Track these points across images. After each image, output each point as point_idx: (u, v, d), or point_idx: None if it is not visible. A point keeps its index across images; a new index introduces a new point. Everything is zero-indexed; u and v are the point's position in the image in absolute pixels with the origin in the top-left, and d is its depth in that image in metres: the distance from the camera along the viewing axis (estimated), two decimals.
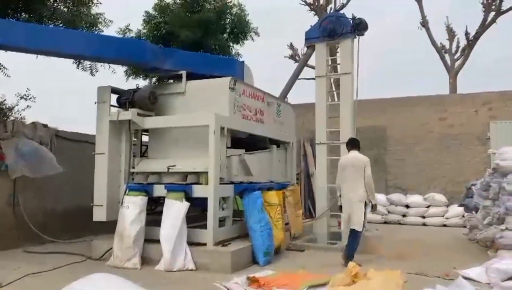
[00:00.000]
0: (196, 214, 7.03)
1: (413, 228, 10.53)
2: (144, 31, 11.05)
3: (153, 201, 6.92)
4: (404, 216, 11.31)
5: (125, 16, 11.33)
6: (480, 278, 5.19)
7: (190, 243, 5.98)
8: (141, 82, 11.38)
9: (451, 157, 12.09)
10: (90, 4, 8.61)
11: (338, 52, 9.10)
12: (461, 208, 9.61)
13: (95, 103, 6.92)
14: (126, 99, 6.79)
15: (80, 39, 6.58)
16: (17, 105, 8.24)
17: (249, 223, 6.36)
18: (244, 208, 6.49)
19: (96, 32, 8.64)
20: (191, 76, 7.11)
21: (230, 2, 11.41)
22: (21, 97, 8.24)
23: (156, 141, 7.15)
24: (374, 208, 6.48)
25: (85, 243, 7.19)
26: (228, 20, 11.36)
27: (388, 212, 11.43)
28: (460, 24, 26.66)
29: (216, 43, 10.93)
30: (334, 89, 10.06)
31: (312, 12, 19.60)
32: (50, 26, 8.01)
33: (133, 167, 6.92)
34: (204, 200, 6.16)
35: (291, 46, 20.55)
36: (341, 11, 17.17)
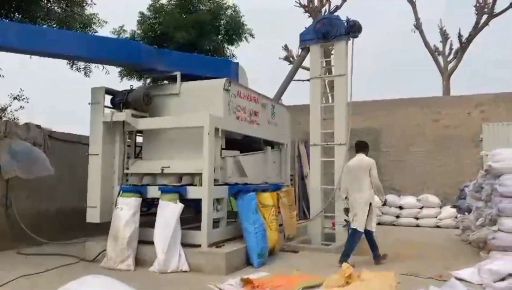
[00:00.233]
0: (190, 215, 7.02)
1: (406, 229, 10.58)
2: (139, 32, 11.05)
3: (147, 202, 6.91)
4: (397, 217, 11.37)
5: (120, 16, 11.31)
6: (473, 279, 5.23)
7: (184, 245, 5.97)
8: (136, 83, 11.38)
9: (444, 159, 12.17)
10: (84, 4, 8.60)
11: (332, 53, 9.13)
12: (454, 209, 9.68)
13: (89, 104, 6.89)
14: (120, 100, 6.78)
15: (74, 39, 6.56)
16: (10, 105, 8.21)
17: (243, 224, 6.36)
18: (239, 209, 6.50)
19: (90, 33, 8.62)
20: (185, 77, 7.11)
21: (225, 3, 11.43)
22: (14, 98, 8.21)
23: (150, 142, 7.13)
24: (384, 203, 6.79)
25: (79, 244, 7.14)
26: (222, 21, 11.38)
27: (382, 213, 11.47)
28: (454, 26, 26.89)
29: (211, 44, 10.96)
30: (328, 90, 10.09)
31: (307, 14, 19.65)
32: (44, 26, 7.97)
33: (127, 168, 6.90)
34: (198, 202, 6.16)
35: (286, 48, 20.59)
36: (335, 13, 17.23)
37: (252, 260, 6.16)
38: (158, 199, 6.25)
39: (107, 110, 6.91)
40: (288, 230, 7.84)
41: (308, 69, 9.40)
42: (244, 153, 7.51)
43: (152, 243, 5.93)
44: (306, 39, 8.75)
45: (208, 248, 6.00)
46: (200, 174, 6.17)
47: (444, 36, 19.79)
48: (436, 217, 11.08)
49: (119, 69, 10.86)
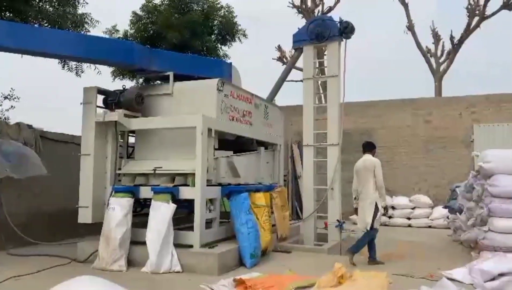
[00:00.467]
0: (183, 216, 7.00)
1: (398, 229, 10.64)
2: (132, 31, 11.01)
3: (140, 202, 6.88)
4: (390, 217, 11.42)
5: (113, 16, 11.25)
6: (464, 279, 5.26)
7: (177, 245, 5.95)
8: (128, 83, 11.33)
9: (436, 159, 12.25)
10: (77, 4, 8.54)
11: (325, 54, 9.16)
12: (446, 210, 9.74)
13: (81, 104, 6.85)
14: (112, 100, 6.74)
15: (66, 39, 6.51)
16: (0, 105, 8.14)
17: (236, 225, 6.36)
18: (231, 209, 6.50)
19: (82, 33, 8.56)
20: (178, 77, 7.09)
21: (218, 3, 11.42)
22: (5, 98, 8.14)
23: (143, 143, 7.10)
24: (385, 210, 6.58)
25: (70, 245, 7.10)
26: (216, 21, 11.37)
27: None
28: (446, 28, 27.10)
29: (204, 45, 10.94)
30: (321, 91, 10.13)
31: (300, 15, 19.70)
32: (36, 25, 7.91)
33: (119, 169, 6.87)
34: (191, 202, 6.15)
35: (279, 48, 20.62)
36: (328, 14, 17.30)
37: (244, 260, 6.16)
38: (150, 199, 6.23)
39: (99, 110, 6.87)
40: (281, 230, 7.85)
41: (301, 69, 9.43)
42: (237, 154, 7.51)
43: (144, 243, 5.91)
44: (299, 40, 8.77)
45: (200, 248, 5.99)
46: (193, 175, 6.16)
47: (436, 37, 19.94)
48: (428, 217, 11.16)
49: (111, 69, 10.81)
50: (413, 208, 11.34)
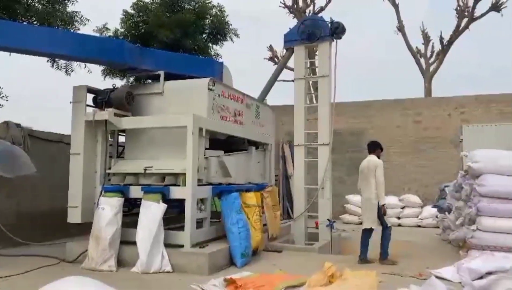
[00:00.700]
0: (174, 215, 6.98)
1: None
2: (122, 30, 10.93)
3: (130, 202, 6.84)
4: None
5: (103, 14, 11.17)
6: (452, 278, 5.33)
7: (167, 245, 5.93)
8: (119, 82, 11.25)
9: (425, 159, 12.37)
10: (66, 1, 8.46)
11: (316, 54, 9.20)
12: (435, 209, 9.84)
13: (71, 102, 6.79)
14: (102, 99, 6.69)
15: (55, 37, 6.45)
16: None
17: (226, 224, 6.35)
18: (222, 209, 6.49)
19: (72, 31, 8.49)
20: (169, 77, 7.06)
21: (210, 2, 11.39)
22: None
23: (133, 142, 7.06)
24: (383, 211, 6.58)
25: (59, 245, 7.03)
26: (207, 20, 11.34)
27: None
28: (436, 29, 27.36)
29: (195, 44, 10.90)
30: (312, 91, 10.16)
31: (291, 15, 19.74)
32: (24, 23, 7.83)
33: (109, 168, 6.82)
34: (181, 202, 6.13)
35: (271, 48, 20.64)
36: (319, 14, 17.36)
37: (235, 260, 6.16)
38: (140, 199, 6.20)
39: (89, 109, 6.82)
40: (272, 230, 7.86)
41: (292, 69, 9.45)
42: (228, 153, 7.50)
43: (134, 243, 5.88)
44: (290, 40, 8.80)
45: (191, 248, 5.97)
46: (184, 174, 6.14)
47: (426, 38, 20.10)
48: (417, 216, 11.24)
49: (102, 67, 10.73)
50: (402, 208, 11.42)
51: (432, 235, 9.33)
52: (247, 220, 6.57)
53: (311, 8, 19.62)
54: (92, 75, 9.37)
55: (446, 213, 8.44)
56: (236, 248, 6.17)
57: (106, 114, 6.51)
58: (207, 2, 11.35)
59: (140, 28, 10.67)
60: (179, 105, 6.72)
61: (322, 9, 19.44)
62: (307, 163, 8.55)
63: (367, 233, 6.64)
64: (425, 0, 37.20)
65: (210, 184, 6.73)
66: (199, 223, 6.46)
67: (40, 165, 7.48)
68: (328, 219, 8.04)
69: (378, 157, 6.84)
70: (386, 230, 6.61)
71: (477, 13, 18.59)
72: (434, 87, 19.73)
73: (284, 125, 11.85)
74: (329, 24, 8.36)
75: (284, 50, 9.49)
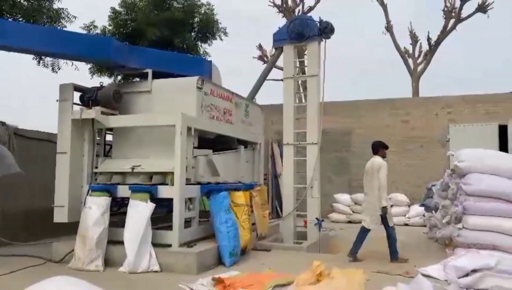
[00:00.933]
0: (161, 215, 6.94)
1: (376, 227, 10.76)
2: (110, 28, 10.83)
3: (117, 201, 6.78)
4: None
5: (91, 12, 11.05)
6: (438, 275, 5.39)
7: (155, 245, 5.89)
8: (106, 80, 11.15)
9: (413, 159, 12.48)
10: None
11: (306, 54, 9.22)
12: (422, 208, 9.93)
13: (57, 101, 6.71)
14: (89, 97, 6.62)
15: (41, 34, 6.36)
16: None
17: (215, 223, 6.33)
18: (211, 208, 6.47)
19: (58, 28, 8.38)
20: (157, 75, 7.01)
21: (198, 1, 11.35)
22: None
23: (121, 141, 7.00)
24: (383, 211, 6.64)
25: (46, 245, 6.94)
26: (196, 19, 11.29)
27: (353, 211, 11.67)
28: (423, 29, 27.63)
29: (184, 42, 10.85)
30: (301, 90, 10.19)
31: (281, 14, 19.75)
32: (10, 20, 7.70)
33: (96, 167, 6.76)
34: (170, 201, 6.09)
35: (260, 47, 20.63)
36: (309, 14, 17.40)
37: (224, 259, 6.15)
38: (128, 198, 6.15)
39: (76, 108, 6.75)
40: (260, 229, 7.87)
41: (281, 68, 9.46)
42: (217, 152, 7.48)
43: (122, 243, 5.83)
44: (279, 39, 8.81)
45: (179, 248, 5.95)
46: (172, 173, 6.11)
47: (414, 38, 20.28)
48: (405, 215, 11.35)
49: (89, 65, 10.62)
50: (390, 206, 11.48)
51: (419, 233, 9.42)
52: (235, 219, 6.56)
53: (300, 7, 19.66)
54: (80, 73, 9.27)
55: (433, 211, 8.53)
56: (224, 247, 6.16)
57: (93, 112, 6.45)
58: (195, 0, 11.30)
59: (128, 26, 10.59)
60: (167, 103, 6.67)
61: (311, 8, 19.49)
62: (296, 162, 8.57)
63: (365, 231, 6.75)
64: (413, 1, 37.55)
65: (198, 183, 6.70)
66: (188, 223, 6.43)
67: (26, 164, 7.36)
68: (317, 218, 8.07)
69: (384, 157, 6.89)
70: (390, 230, 6.68)
71: (464, 14, 18.83)
72: (421, 87, 19.94)
73: (273, 124, 11.86)
74: (318, 24, 8.39)
75: (273, 49, 9.49)
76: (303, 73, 9.13)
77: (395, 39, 20.17)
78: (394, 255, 6.60)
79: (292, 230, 8.40)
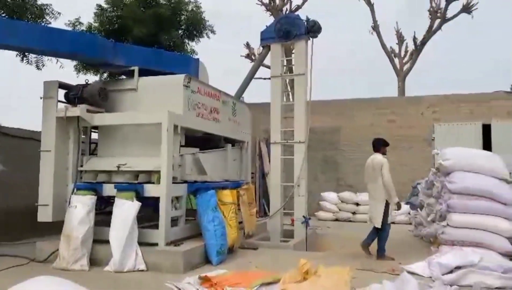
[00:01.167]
0: (149, 213, 6.88)
1: (362, 225, 10.82)
2: (96, 24, 10.69)
3: (103, 200, 6.71)
4: (354, 213, 11.66)
5: (76, 8, 10.90)
6: (423, 272, 5.46)
7: (142, 244, 5.85)
8: (92, 78, 11.02)
9: (398, 157, 12.59)
10: None
11: (293, 52, 9.24)
12: (407, 206, 10.04)
13: (41, 98, 6.61)
14: (74, 94, 6.54)
15: (25, 30, 6.24)
16: None
17: (202, 222, 6.31)
18: (198, 207, 6.45)
19: (43, 24, 8.24)
20: (144, 73, 6.95)
21: None
22: None
23: (106, 139, 6.93)
24: (398, 207, 6.73)
25: (30, 245, 6.84)
26: (183, 16, 11.22)
27: (339, 209, 11.75)
28: (410, 29, 27.93)
29: (171, 40, 10.77)
30: (289, 89, 10.20)
31: (268, 13, 19.76)
32: None
33: (81, 166, 6.68)
34: (156, 200, 6.05)
35: (247, 46, 20.61)
36: (296, 13, 17.43)
37: (211, 258, 6.13)
38: (114, 197, 6.10)
39: (61, 105, 6.66)
40: (248, 227, 7.87)
41: (269, 67, 9.46)
42: (204, 151, 7.45)
43: (108, 242, 5.78)
44: (267, 38, 8.80)
45: (165, 246, 5.91)
46: (158, 172, 6.07)
47: (400, 38, 20.47)
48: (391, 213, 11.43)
49: (74, 62, 10.47)
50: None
51: (405, 231, 9.52)
52: (223, 218, 6.55)
53: (287, 6, 19.69)
54: (65, 71, 9.14)
55: (418, 209, 8.62)
56: (211, 246, 6.15)
57: (78, 110, 6.37)
58: None
59: (114, 23, 10.46)
60: (153, 101, 6.62)
61: (298, 7, 19.53)
62: (283, 161, 8.58)
63: (375, 230, 6.84)
64: (399, 1, 37.89)
65: (185, 181, 6.67)
66: (174, 221, 6.40)
67: (9, 162, 7.26)
68: (304, 216, 8.10)
69: (384, 154, 6.97)
70: (386, 226, 6.75)
71: (449, 14, 19.06)
72: (407, 87, 20.15)
73: (261, 123, 11.86)
74: (305, 23, 8.40)
75: (261, 48, 9.48)
76: (291, 71, 9.14)
77: (382, 39, 20.34)
78: (381, 252, 6.65)
79: (279, 229, 8.41)
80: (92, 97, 6.50)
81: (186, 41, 11.50)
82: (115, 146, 6.78)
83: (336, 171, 13.06)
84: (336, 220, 11.57)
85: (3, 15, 7.77)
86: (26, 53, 8.41)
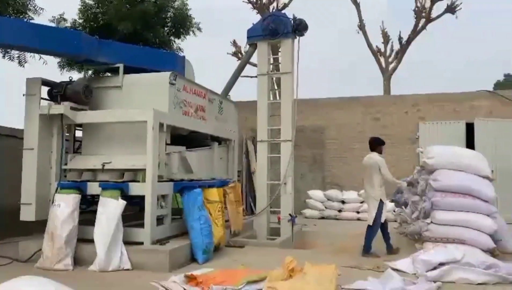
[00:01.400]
0: (134, 212, 6.83)
1: (348, 223, 10.95)
2: (80, 21, 10.53)
3: (87, 199, 6.63)
4: (340, 211, 11.73)
5: (60, 4, 10.72)
6: (407, 269, 5.53)
7: (127, 243, 5.81)
8: (76, 75, 10.85)
9: (384, 156, 12.70)
10: None
11: (280, 51, 9.24)
12: (392, 204, 10.14)
13: (24, 95, 6.50)
14: (58, 92, 6.45)
15: (7, 26, 6.11)
16: None
17: (188, 221, 6.29)
18: (184, 205, 6.42)
19: (25, 20, 8.09)
20: (129, 70, 6.88)
21: None
22: None
23: (91, 137, 6.85)
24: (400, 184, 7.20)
25: (12, 244, 6.73)
26: (169, 13, 11.12)
27: (325, 207, 11.81)
28: (396, 28, 28.21)
29: (157, 37, 10.67)
30: (276, 87, 10.22)
31: (255, 11, 19.73)
32: None
33: (66, 164, 6.59)
34: (142, 198, 6.01)
35: (234, 43, 20.56)
36: (283, 11, 17.43)
37: (197, 256, 6.11)
38: (99, 196, 6.03)
39: (44, 103, 6.55)
40: (234, 225, 7.86)
41: (256, 65, 9.45)
42: (190, 149, 7.41)
43: (92, 241, 5.72)
44: (253, 36, 8.79)
45: (151, 245, 5.87)
46: (144, 170, 6.02)
47: (386, 38, 20.62)
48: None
49: (58, 59, 10.30)
50: (362, 202, 11.68)
51: (390, 228, 9.59)
52: (209, 216, 6.53)
53: (274, 4, 19.69)
54: (48, 67, 8.98)
55: (403, 207, 8.72)
56: (197, 244, 6.13)
57: (62, 108, 6.29)
58: None
59: (99, 20, 10.32)
60: (139, 99, 6.57)
61: (285, 5, 19.54)
62: (270, 159, 8.59)
63: (373, 229, 6.88)
64: (385, 0, 38.27)
65: (171, 180, 6.63)
66: (160, 220, 6.36)
67: None
68: (290, 214, 8.12)
69: (380, 153, 7.04)
70: (375, 227, 6.83)
71: (434, 14, 19.27)
72: (393, 86, 20.33)
73: (248, 121, 11.85)
74: (292, 21, 8.42)
75: (248, 46, 9.48)
76: (278, 70, 9.14)
77: (368, 38, 20.47)
78: (366, 249, 6.70)
79: (265, 227, 8.43)
80: (76, 95, 6.41)
81: (173, 38, 11.40)
82: (100, 144, 6.70)
83: (323, 169, 13.12)
84: (323, 218, 11.63)
85: None
86: (8, 49, 8.24)
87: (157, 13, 10.55)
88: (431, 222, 6.42)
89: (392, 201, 10.01)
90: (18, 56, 8.23)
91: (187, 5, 11.20)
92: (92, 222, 5.88)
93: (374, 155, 6.99)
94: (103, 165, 6.29)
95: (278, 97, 9.70)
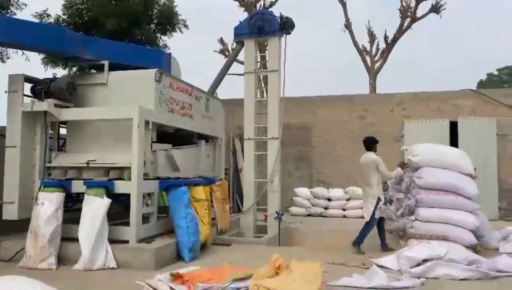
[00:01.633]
0: (117, 211, 6.77)
1: (334, 220, 11.01)
2: (65, 17, 10.37)
3: (72, 197, 6.56)
4: (326, 208, 11.80)
5: (43, 0, 10.54)
6: (392, 266, 5.60)
7: (112, 241, 5.76)
8: (60, 72, 10.69)
9: None
10: None
11: (267, 49, 9.25)
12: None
13: (6, 92, 6.38)
14: (41, 88, 6.34)
15: None
16: None
17: (174, 219, 6.26)
18: (170, 204, 6.39)
19: (7, 15, 7.94)
20: (115, 67, 6.81)
21: None
22: None
23: (75, 134, 6.76)
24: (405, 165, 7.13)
25: None
26: (155, 10, 11.03)
27: (312, 205, 11.86)
28: (382, 27, 28.41)
29: (143, 34, 10.57)
30: (263, 85, 10.23)
31: (242, 8, 19.68)
32: None
33: (50, 162, 6.50)
34: (128, 197, 5.96)
35: (221, 41, 20.49)
36: (270, 9, 17.42)
37: (183, 254, 6.09)
38: (83, 194, 5.96)
39: (27, 99, 6.45)
40: (221, 223, 7.85)
41: (243, 63, 9.44)
42: (176, 147, 7.37)
43: (77, 240, 5.65)
44: (240, 33, 8.79)
45: (137, 243, 5.83)
46: (129, 168, 5.97)
47: (372, 37, 20.78)
48: (361, 208, 11.61)
49: (42, 56, 10.14)
50: (348, 200, 11.77)
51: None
52: (195, 214, 6.51)
53: (261, 2, 19.66)
54: (31, 64, 8.82)
55: (388, 204, 8.81)
56: (184, 242, 6.10)
57: (46, 105, 6.20)
58: None
59: (84, 16, 10.18)
60: (124, 96, 6.50)
61: (272, 3, 19.53)
62: (256, 157, 8.60)
63: (369, 225, 6.95)
64: None
65: (157, 178, 6.59)
66: (146, 218, 6.31)
67: None
68: (277, 212, 8.15)
69: (375, 151, 7.12)
70: (372, 222, 6.89)
71: (419, 14, 19.46)
72: (378, 84, 20.50)
73: (235, 119, 11.83)
74: (279, 19, 8.43)
75: (235, 43, 9.46)
76: (265, 68, 9.17)
77: (354, 37, 20.59)
78: (358, 242, 6.79)
79: (252, 224, 8.44)
80: (60, 92, 6.32)
81: (159, 35, 11.31)
82: (85, 141, 6.62)
83: (309, 167, 13.18)
84: (309, 215, 11.68)
85: None
86: None
87: (144, 10, 10.46)
88: (416, 219, 6.51)
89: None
90: (0, 52, 8.08)
91: (173, 2, 11.12)
92: (76, 221, 5.82)
93: (370, 154, 7.07)
94: (88, 163, 6.23)
95: (265, 95, 9.71)
